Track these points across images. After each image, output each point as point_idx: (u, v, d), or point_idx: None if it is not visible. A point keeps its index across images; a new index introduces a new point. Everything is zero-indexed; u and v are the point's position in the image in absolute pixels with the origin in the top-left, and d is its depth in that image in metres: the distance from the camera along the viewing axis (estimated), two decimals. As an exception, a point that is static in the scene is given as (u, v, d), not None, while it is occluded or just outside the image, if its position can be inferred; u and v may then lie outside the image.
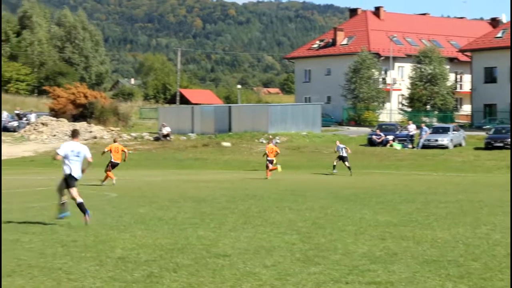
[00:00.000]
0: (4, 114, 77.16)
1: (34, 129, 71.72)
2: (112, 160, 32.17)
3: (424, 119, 76.62)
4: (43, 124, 72.71)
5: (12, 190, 28.57)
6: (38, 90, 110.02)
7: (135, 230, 16.21)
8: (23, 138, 68.67)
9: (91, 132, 69.04)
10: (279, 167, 38.27)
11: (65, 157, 17.43)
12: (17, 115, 78.33)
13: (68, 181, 17.51)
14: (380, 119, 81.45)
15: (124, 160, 33.45)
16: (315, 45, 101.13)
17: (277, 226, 16.94)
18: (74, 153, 17.50)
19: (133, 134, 71.46)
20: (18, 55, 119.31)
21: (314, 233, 15.72)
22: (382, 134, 61.87)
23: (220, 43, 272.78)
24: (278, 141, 55.90)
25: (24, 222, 17.51)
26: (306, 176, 40.06)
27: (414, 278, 10.68)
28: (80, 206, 17.25)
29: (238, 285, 10.18)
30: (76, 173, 17.56)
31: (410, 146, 59.73)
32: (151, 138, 68.47)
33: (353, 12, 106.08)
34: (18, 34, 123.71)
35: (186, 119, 71.54)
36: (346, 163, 41.46)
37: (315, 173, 42.74)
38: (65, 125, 71.90)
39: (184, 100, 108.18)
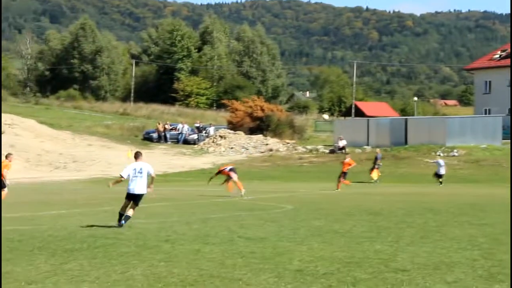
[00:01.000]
0: (185, 127, 79.49)
1: (213, 142, 73.53)
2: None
3: None
4: (221, 137, 74.40)
5: (193, 201, 29.46)
6: (217, 104, 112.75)
7: (312, 242, 16.27)
8: (203, 151, 70.53)
9: (267, 144, 70.04)
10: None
11: (129, 177, 19.30)
12: (197, 128, 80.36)
13: (132, 197, 19.37)
14: None
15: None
16: (497, 56, 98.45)
17: (457, 241, 16.56)
18: (138, 171, 19.32)
19: (308, 147, 71.88)
20: (198, 69, 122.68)
21: (496, 249, 15.24)
22: None
23: (396, 55, 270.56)
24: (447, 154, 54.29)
25: (205, 235, 17.93)
26: (486, 190, 38.98)
27: None
28: (126, 218, 19.14)
29: (418, 301, 10.00)
30: (140, 189, 19.37)
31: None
32: (326, 151, 68.61)
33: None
34: (199, 49, 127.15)
35: (361, 131, 71.26)
36: None
37: (495, 187, 41.51)
38: (242, 138, 73.29)
39: (359, 113, 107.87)
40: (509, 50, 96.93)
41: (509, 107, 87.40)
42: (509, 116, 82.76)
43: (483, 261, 13.61)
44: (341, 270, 12.50)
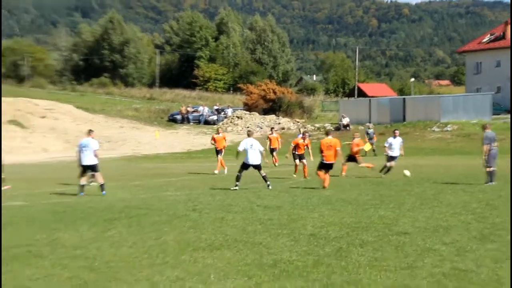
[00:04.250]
0: (206, 109, 79.61)
1: (231, 122, 73.60)
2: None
3: None
4: (238, 117, 74.44)
5: (214, 175, 29.65)
6: (233, 88, 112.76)
7: (323, 210, 16.40)
8: (221, 130, 70.55)
9: (279, 123, 69.99)
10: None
11: (245, 150, 22.46)
12: (216, 110, 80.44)
13: (248, 167, 22.54)
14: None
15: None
16: (486, 39, 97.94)
17: (452, 207, 16.64)
18: (251, 145, 22.45)
19: (316, 125, 71.88)
20: (216, 57, 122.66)
21: (488, 213, 15.32)
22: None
23: (394, 40, 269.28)
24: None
25: (227, 204, 18.09)
26: (477, 161, 38.90)
27: None
28: (264, 177, 22.50)
29: (420, 259, 10.10)
30: (255, 160, 22.47)
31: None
32: (332, 128, 68.61)
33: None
34: (216, 39, 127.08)
35: (364, 110, 71.15)
36: None
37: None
38: (257, 118, 73.32)
39: (362, 94, 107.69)
40: (497, 34, 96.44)
41: (498, 85, 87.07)
42: (498, 94, 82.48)
43: (476, 224, 13.71)
44: (349, 234, 12.64)
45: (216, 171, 30.81)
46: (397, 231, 12.89)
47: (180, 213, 16.01)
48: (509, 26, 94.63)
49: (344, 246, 11.30)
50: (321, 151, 23.12)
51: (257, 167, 22.62)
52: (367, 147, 40.08)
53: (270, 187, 22.09)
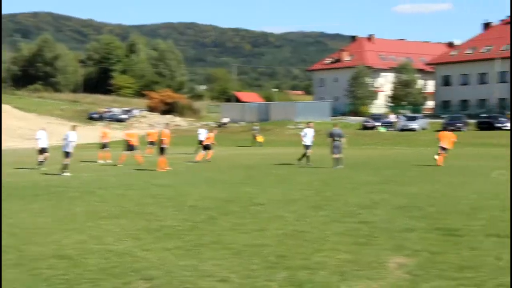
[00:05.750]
0: (118, 110, 78.00)
1: (137, 120, 72.41)
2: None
3: (401, 111, 75.62)
4: (143, 116, 73.38)
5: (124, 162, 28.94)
6: (140, 94, 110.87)
7: (203, 187, 16.27)
8: (130, 126, 69.22)
9: (174, 121, 69.32)
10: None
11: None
12: (126, 111, 79.02)
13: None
14: (371, 111, 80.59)
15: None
16: (327, 61, 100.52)
17: (299, 184, 16.88)
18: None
19: (203, 123, 71.58)
20: (127, 70, 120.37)
21: (325, 189, 15.61)
22: (372, 121, 61.27)
23: (263, 60, 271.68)
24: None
25: (128, 183, 17.67)
26: (322, 151, 39.69)
27: (389, 218, 10.57)
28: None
29: (270, 223, 10.13)
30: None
31: (391, 129, 59.02)
32: (215, 125, 68.50)
33: (353, 38, 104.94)
34: (127, 56, 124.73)
35: (239, 112, 71.48)
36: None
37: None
38: (158, 117, 72.47)
39: (238, 100, 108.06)
40: (335, 57, 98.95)
41: (336, 95, 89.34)
42: (336, 102, 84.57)
43: (314, 197, 13.92)
44: (220, 205, 12.55)
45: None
46: (256, 202, 12.92)
47: (90, 190, 15.48)
48: (344, 53, 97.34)
49: (214, 215, 11.20)
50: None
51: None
52: (260, 139, 40.73)
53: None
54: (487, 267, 6.87)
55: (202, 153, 28.29)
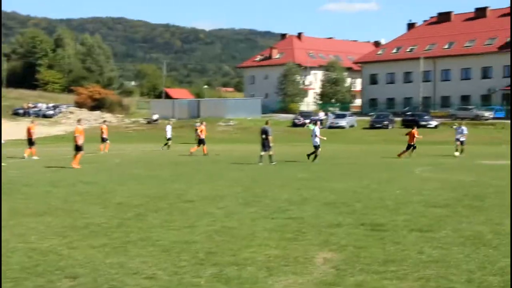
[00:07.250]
0: (44, 106, 75.85)
1: (64, 116, 70.64)
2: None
3: (330, 108, 77.01)
4: (70, 112, 71.72)
5: (49, 158, 28.08)
6: (68, 89, 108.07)
7: (130, 184, 16.04)
8: (57, 122, 67.52)
9: (103, 117, 68.06)
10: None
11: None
12: (53, 106, 76.91)
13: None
14: (301, 109, 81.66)
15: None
16: (258, 59, 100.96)
17: (229, 181, 16.89)
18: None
19: (132, 119, 70.67)
20: (53, 65, 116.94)
21: (253, 186, 15.68)
22: (301, 118, 62.09)
23: (193, 56, 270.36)
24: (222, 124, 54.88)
25: (55, 180, 17.19)
26: (253, 148, 39.92)
27: (317, 214, 10.71)
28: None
29: (199, 220, 10.07)
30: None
31: (320, 126, 59.87)
32: (145, 122, 67.75)
33: (283, 36, 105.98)
34: (54, 50, 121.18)
35: (169, 109, 70.94)
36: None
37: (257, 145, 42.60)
38: (86, 113, 70.97)
39: (168, 96, 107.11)
40: (266, 55, 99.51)
41: (266, 92, 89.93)
42: (266, 99, 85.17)
43: (243, 193, 13.93)
44: (149, 202, 12.39)
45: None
46: (185, 199, 12.83)
47: (15, 188, 14.97)
48: (274, 50, 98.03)
49: (142, 212, 11.04)
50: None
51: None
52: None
53: None
54: (409, 261, 7.08)
55: (196, 147, 29.69)
